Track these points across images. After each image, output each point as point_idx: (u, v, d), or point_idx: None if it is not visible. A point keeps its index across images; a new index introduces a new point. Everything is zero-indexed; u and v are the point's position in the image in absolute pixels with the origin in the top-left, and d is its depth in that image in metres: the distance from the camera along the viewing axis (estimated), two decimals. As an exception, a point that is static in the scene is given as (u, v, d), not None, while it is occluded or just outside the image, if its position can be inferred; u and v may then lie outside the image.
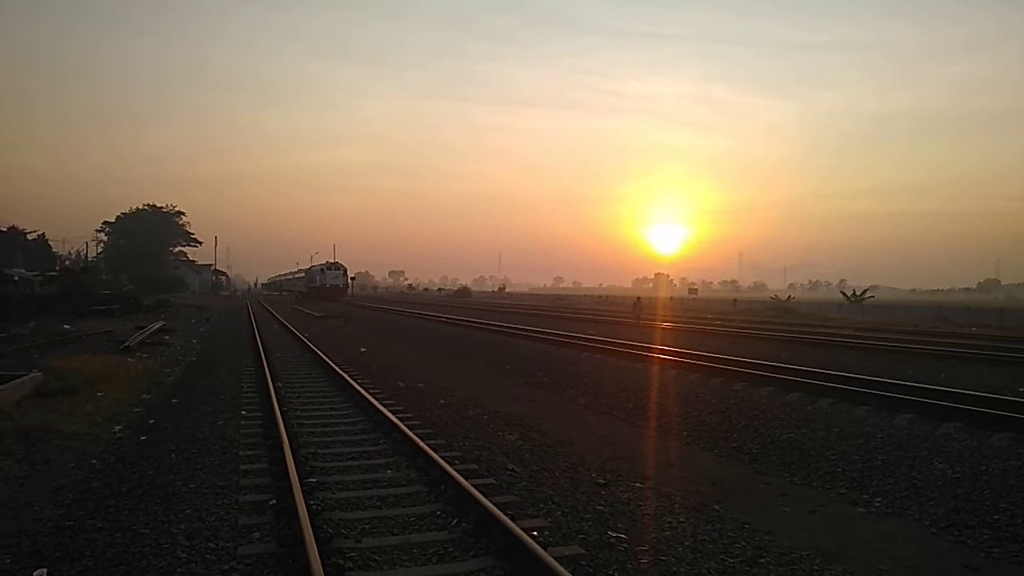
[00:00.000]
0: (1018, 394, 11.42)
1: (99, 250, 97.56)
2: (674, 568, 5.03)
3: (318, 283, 77.21)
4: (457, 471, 6.77)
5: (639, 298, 39.56)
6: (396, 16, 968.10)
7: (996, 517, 6.04)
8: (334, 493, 6.57)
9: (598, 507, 6.34)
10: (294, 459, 7.12)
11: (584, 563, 5.03)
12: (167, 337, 24.88)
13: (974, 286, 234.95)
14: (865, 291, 58.75)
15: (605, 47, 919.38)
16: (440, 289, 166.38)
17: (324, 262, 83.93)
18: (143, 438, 9.11)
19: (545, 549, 4.87)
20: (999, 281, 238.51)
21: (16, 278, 50.31)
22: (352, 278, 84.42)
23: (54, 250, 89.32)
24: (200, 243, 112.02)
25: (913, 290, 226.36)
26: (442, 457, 7.34)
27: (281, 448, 7.54)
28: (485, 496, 5.97)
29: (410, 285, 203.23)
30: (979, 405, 9.57)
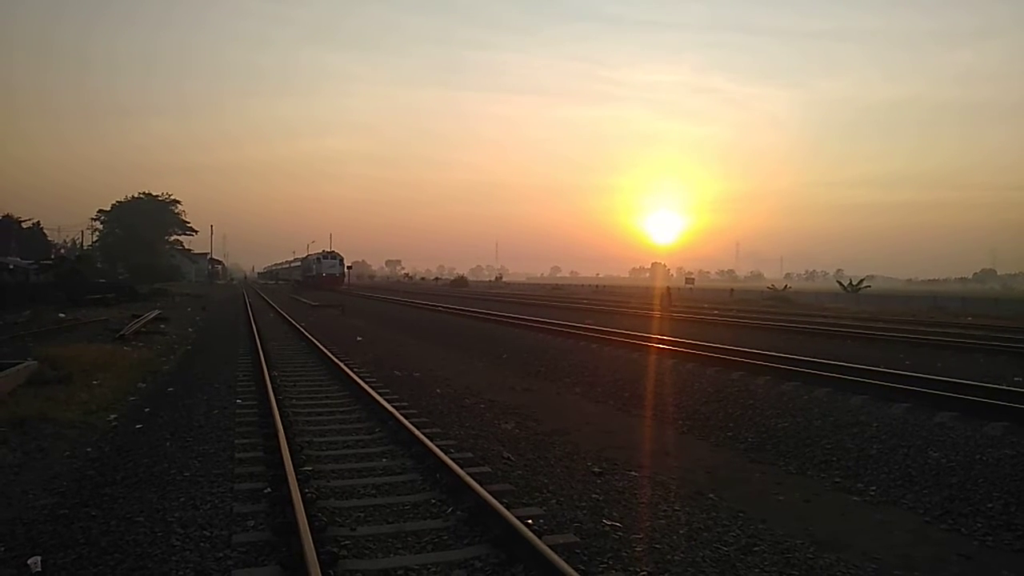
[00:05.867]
0: (1013, 383, 11.46)
1: (94, 238, 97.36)
2: (668, 556, 5.04)
3: (315, 272, 77.14)
4: (452, 459, 6.77)
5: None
6: (390, 1, 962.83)
7: (990, 505, 6.06)
8: (329, 481, 6.57)
9: (593, 495, 6.35)
10: (289, 447, 7.11)
11: (579, 551, 5.03)
12: (163, 326, 24.83)
13: (970, 276, 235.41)
14: (862, 281, 58.66)
15: (603, 34, 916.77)
16: (437, 278, 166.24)
17: (321, 251, 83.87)
18: (138, 426, 9.10)
19: (540, 537, 4.87)
20: (995, 271, 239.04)
21: (11, 266, 50.17)
22: (349, 267, 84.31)
23: (49, 238, 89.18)
24: (196, 232, 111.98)
25: (909, 280, 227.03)
26: (437, 446, 7.34)
27: (276, 436, 7.54)
28: (480, 484, 5.97)
29: (407, 274, 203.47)
30: (974, 394, 9.59)
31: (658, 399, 10.94)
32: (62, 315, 26.59)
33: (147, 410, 10.16)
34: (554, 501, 6.17)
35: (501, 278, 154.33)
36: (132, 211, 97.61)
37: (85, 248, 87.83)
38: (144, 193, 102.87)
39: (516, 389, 12.30)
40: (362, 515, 5.73)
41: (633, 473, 7.12)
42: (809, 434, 8.44)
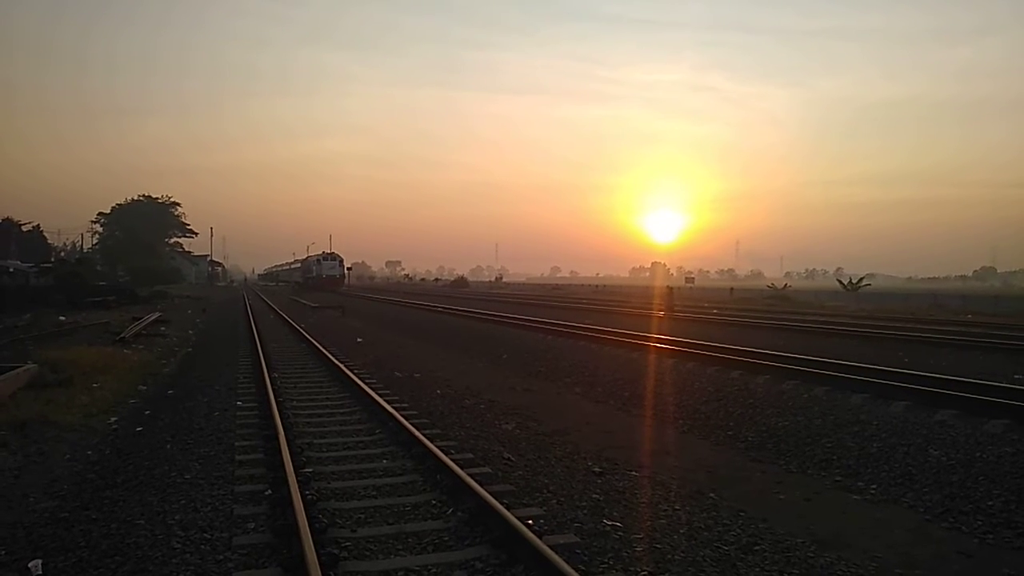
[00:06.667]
0: (1013, 381, 11.46)
1: (94, 241, 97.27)
2: (669, 556, 5.04)
3: (315, 273, 77.16)
4: (453, 460, 6.77)
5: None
6: (387, 1, 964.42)
7: (990, 503, 6.06)
8: (329, 483, 6.57)
9: (594, 496, 6.35)
10: (289, 449, 7.12)
11: (579, 551, 5.04)
12: (163, 328, 24.82)
13: (970, 273, 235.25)
14: (861, 279, 58.63)
15: (601, 34, 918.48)
16: (437, 279, 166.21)
17: (321, 252, 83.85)
18: (139, 429, 9.10)
19: (540, 538, 4.88)
20: (995, 269, 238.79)
21: (11, 269, 50.18)
22: (348, 268, 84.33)
23: (49, 241, 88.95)
24: (196, 234, 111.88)
25: (910, 278, 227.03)
26: (438, 447, 7.34)
27: (276, 438, 7.54)
28: (481, 485, 5.97)
29: (407, 275, 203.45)
30: (974, 392, 9.59)
31: (658, 399, 10.94)
32: (62, 318, 26.60)
33: (147, 412, 10.16)
34: (554, 501, 6.17)
35: (501, 278, 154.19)
36: (132, 213, 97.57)
37: (85, 251, 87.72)
38: (144, 195, 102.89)
39: (516, 389, 12.30)
40: (363, 516, 5.73)
41: (633, 473, 7.12)
42: (809, 433, 8.44)
